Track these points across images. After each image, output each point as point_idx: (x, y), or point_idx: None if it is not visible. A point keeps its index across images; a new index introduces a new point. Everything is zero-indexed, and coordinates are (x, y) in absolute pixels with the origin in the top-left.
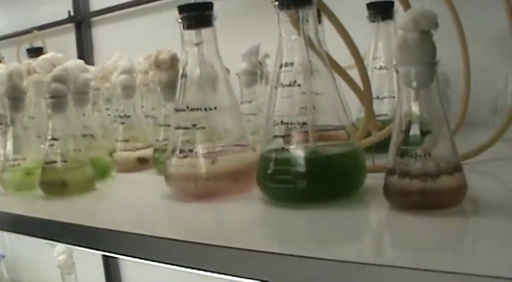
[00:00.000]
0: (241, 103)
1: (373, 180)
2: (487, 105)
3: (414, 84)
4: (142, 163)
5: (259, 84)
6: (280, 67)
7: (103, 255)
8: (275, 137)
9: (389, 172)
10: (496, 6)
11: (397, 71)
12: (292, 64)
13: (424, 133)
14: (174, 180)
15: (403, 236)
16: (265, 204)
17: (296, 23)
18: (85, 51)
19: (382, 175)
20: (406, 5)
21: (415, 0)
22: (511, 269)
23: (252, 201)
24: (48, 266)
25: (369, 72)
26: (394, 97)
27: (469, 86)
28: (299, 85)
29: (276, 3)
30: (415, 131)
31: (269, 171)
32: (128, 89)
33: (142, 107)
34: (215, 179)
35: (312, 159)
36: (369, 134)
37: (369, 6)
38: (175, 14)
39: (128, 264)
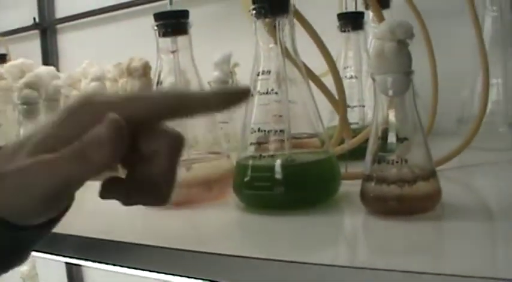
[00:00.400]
0: None
1: (347, 187)
2: (454, 114)
3: (391, 92)
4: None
5: None
6: (257, 75)
7: (66, 264)
8: (252, 144)
9: (367, 178)
10: (462, 17)
11: (374, 80)
12: (269, 72)
13: (400, 140)
14: None
15: (380, 240)
16: (241, 211)
17: (273, 31)
18: (50, 59)
19: (355, 182)
20: (380, 16)
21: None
22: (481, 268)
23: (228, 208)
24: (11, 277)
25: None
26: (364, 106)
27: (436, 95)
28: (276, 93)
29: (253, 11)
30: (392, 139)
31: (246, 178)
32: None
33: None
34: (190, 186)
35: (289, 166)
36: (341, 142)
37: (340, 16)
38: (142, 22)
39: (92, 273)
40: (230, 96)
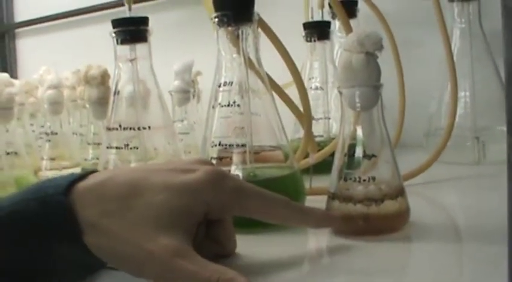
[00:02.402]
0: (174, 122)
1: (311, 203)
2: (421, 127)
3: (358, 106)
4: None
5: (191, 103)
6: (219, 86)
7: None
8: (212, 158)
9: (332, 196)
10: (430, 28)
11: (340, 93)
12: (231, 83)
13: (367, 156)
14: None
15: (345, 262)
16: None
17: (235, 41)
18: (8, 64)
19: (320, 198)
20: (347, 26)
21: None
22: None
23: None
24: None
25: None
26: (329, 118)
27: (404, 108)
28: (238, 105)
29: (216, 19)
30: (358, 154)
31: None
32: (55, 105)
33: (69, 123)
34: None
35: (251, 182)
36: (306, 155)
37: (306, 25)
38: (104, 28)
39: None
40: (328, 221)
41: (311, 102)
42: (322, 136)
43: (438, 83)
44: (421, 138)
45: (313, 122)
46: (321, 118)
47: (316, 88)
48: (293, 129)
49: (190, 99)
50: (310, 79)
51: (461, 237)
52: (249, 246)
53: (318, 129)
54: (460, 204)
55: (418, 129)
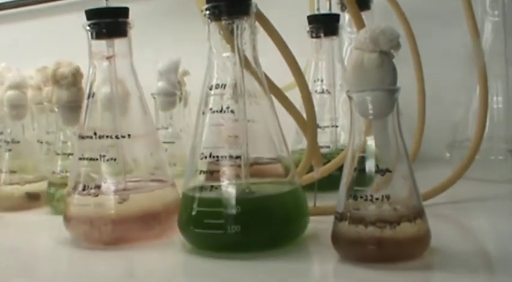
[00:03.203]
0: (157, 129)
1: (316, 224)
2: (444, 138)
3: (370, 114)
4: (32, 200)
5: (178, 108)
6: (210, 89)
7: None
8: (202, 172)
9: (340, 217)
10: (456, 22)
11: (350, 98)
12: (224, 86)
13: (380, 171)
14: (75, 223)
15: None
16: (187, 253)
17: (229, 37)
18: None
19: (326, 218)
20: (359, 20)
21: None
22: None
23: (171, 249)
24: None
25: None
26: (337, 126)
27: (423, 115)
28: (232, 111)
29: (207, 12)
30: (370, 169)
31: (193, 213)
32: (17, 108)
33: (33, 130)
34: (126, 221)
35: (246, 200)
36: (310, 169)
37: (310, 19)
38: (77, 18)
39: None
40: None
41: (316, 108)
42: (328, 147)
43: (465, 87)
44: (444, 150)
45: (319, 130)
46: (327, 126)
47: (322, 91)
48: (295, 139)
49: (176, 103)
50: (315, 81)
51: (492, 268)
52: (245, 274)
53: (323, 139)
54: (490, 229)
55: (441, 140)
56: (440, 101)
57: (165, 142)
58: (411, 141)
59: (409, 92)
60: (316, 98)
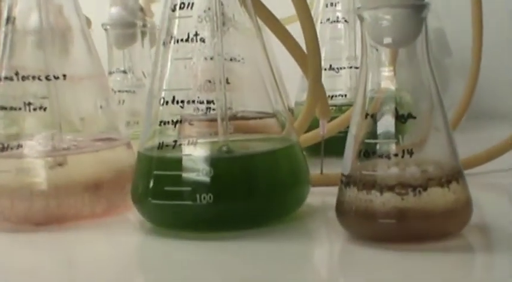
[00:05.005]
0: (110, 73)
1: (321, 197)
2: (505, 90)
3: (388, 39)
4: None
5: (141, 44)
6: (173, 10)
7: None
8: (163, 123)
9: (346, 181)
10: None
11: (361, 19)
12: (191, 6)
13: (401, 118)
14: None
15: None
16: (145, 234)
17: None
18: None
19: (334, 189)
20: None
21: None
22: None
23: (124, 229)
24: None
25: (317, 28)
26: (357, 68)
27: (479, 58)
28: (203, 40)
29: None
30: (388, 116)
31: (151, 180)
32: None
33: None
34: (62, 193)
35: (222, 160)
36: (314, 124)
37: None
38: None
39: None
40: None
41: (328, 43)
42: (345, 95)
43: None
44: (506, 106)
45: (333, 73)
46: (343, 68)
47: (337, 20)
48: (300, 86)
49: (137, 38)
50: (327, 6)
51: None
52: (221, 258)
53: (338, 84)
54: None
55: (504, 92)
56: (503, 41)
57: (121, 91)
58: (460, 89)
59: (459, 22)
60: (328, 29)
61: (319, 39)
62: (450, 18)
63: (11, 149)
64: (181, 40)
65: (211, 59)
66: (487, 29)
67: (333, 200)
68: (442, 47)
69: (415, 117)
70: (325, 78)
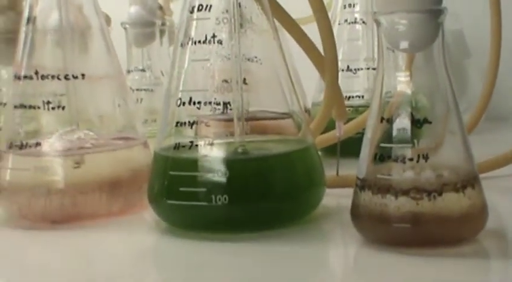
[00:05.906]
0: (128, 71)
1: (336, 199)
2: None
3: (404, 44)
4: None
5: (159, 43)
6: (191, 12)
7: None
8: (180, 124)
9: (361, 185)
10: None
11: (378, 23)
12: (209, 8)
13: (417, 123)
14: (10, 194)
15: None
16: (160, 233)
17: None
18: None
19: (350, 191)
20: None
21: None
22: None
23: (139, 228)
24: None
25: (335, 29)
26: (374, 69)
27: (497, 60)
28: (220, 42)
29: None
30: (403, 120)
31: (167, 180)
32: None
33: None
34: (81, 191)
35: (238, 161)
36: (331, 126)
37: None
38: None
39: None
40: None
41: (346, 44)
42: (361, 97)
43: None
44: None
45: (350, 74)
46: (361, 68)
47: (355, 21)
48: (317, 87)
49: (156, 37)
50: (345, 7)
51: None
52: (236, 260)
53: (356, 86)
54: None
55: None
56: None
57: (139, 90)
58: (477, 91)
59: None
60: (345, 31)
61: (337, 40)
62: (469, 20)
63: (30, 147)
64: (199, 42)
65: (229, 59)
66: (506, 31)
67: (348, 202)
68: (461, 49)
69: (430, 122)
70: (343, 79)
